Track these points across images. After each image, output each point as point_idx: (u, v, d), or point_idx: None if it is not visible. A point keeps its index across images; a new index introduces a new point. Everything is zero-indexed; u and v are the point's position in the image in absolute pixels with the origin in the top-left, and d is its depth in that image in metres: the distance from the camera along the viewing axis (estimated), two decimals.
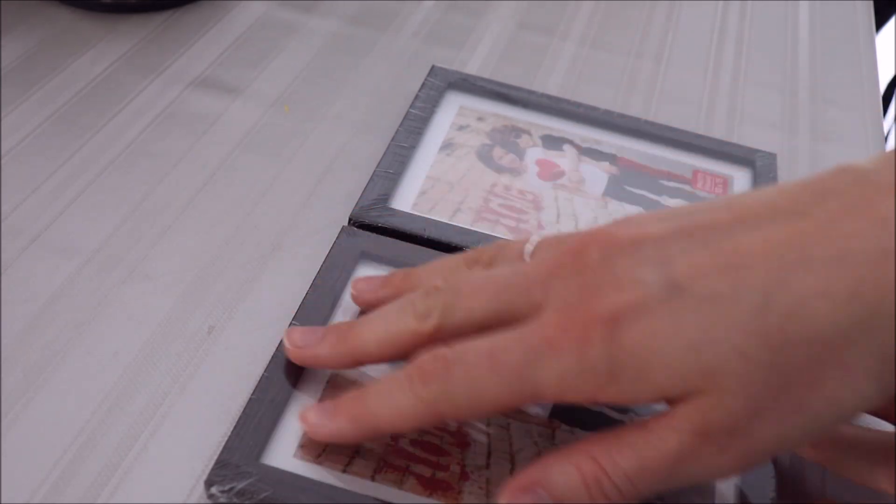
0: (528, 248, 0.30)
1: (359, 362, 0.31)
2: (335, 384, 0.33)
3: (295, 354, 0.32)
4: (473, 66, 0.51)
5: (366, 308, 0.34)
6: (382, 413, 0.28)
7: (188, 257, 0.38)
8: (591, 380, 0.26)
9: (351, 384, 0.33)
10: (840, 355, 0.24)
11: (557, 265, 0.28)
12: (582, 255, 0.27)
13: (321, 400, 0.32)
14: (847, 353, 0.24)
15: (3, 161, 0.41)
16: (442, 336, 0.29)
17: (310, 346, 0.31)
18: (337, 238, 0.37)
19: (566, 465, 0.27)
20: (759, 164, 0.45)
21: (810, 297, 0.24)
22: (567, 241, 0.29)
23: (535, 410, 0.33)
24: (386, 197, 0.40)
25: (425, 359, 0.28)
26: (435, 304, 0.29)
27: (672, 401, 0.26)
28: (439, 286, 0.30)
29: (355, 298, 0.34)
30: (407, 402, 0.28)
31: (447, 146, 0.43)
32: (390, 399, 0.28)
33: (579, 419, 0.33)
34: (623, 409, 0.33)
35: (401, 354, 0.30)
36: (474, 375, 0.27)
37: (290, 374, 0.32)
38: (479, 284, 0.29)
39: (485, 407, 0.27)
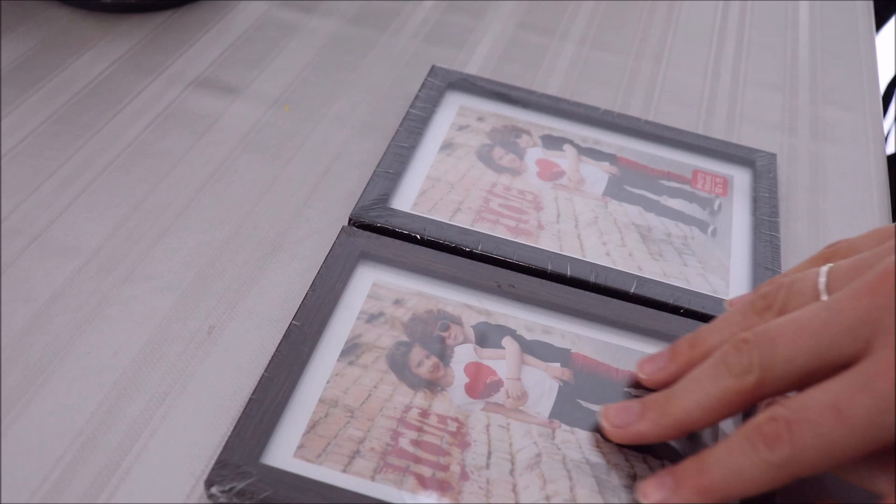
0: (822, 280, 0.29)
1: (683, 432, 0.30)
2: (335, 384, 0.33)
3: (615, 435, 0.31)
4: (473, 66, 0.51)
5: (659, 388, 0.32)
6: (729, 483, 0.27)
7: (188, 257, 0.38)
8: None
9: (354, 383, 0.33)
10: None
11: (876, 295, 0.26)
12: (883, 290, 0.26)
13: (322, 399, 0.32)
14: None
15: (3, 161, 0.41)
16: (765, 390, 0.28)
17: (630, 424, 0.31)
18: (337, 238, 0.37)
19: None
20: (759, 164, 0.45)
21: None
22: (867, 270, 0.27)
23: (535, 410, 0.33)
24: (386, 197, 0.40)
25: (762, 422, 0.27)
26: (751, 357, 0.28)
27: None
28: (748, 338, 0.28)
29: (646, 382, 0.33)
30: (754, 469, 0.27)
31: (447, 146, 0.43)
32: (736, 469, 0.27)
33: (579, 419, 0.33)
34: None
35: (725, 416, 0.29)
36: (823, 433, 0.26)
37: (290, 374, 0.32)
38: (794, 329, 0.28)
39: (838, 461, 0.26)
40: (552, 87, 0.50)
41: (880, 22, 1.11)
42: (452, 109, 0.46)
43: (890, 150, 1.19)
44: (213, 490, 0.29)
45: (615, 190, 0.42)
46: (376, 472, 0.30)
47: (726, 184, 0.44)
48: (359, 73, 0.49)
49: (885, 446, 0.26)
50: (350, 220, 0.39)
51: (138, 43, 0.49)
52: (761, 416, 0.27)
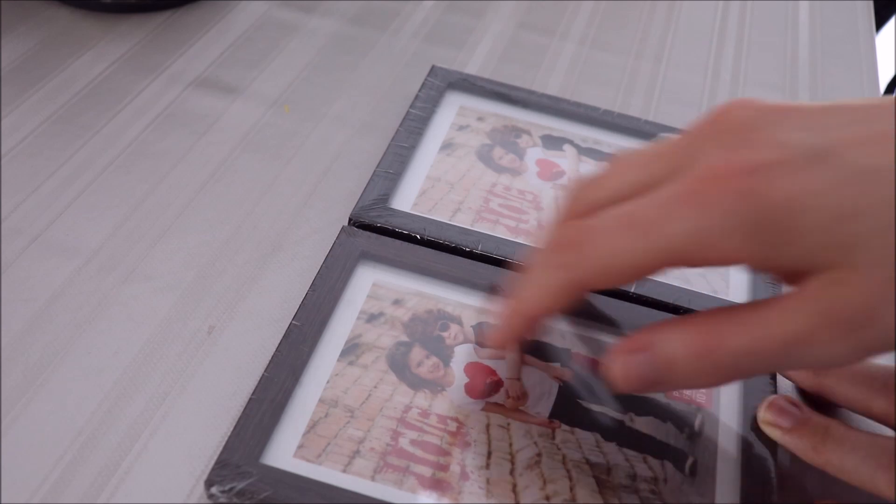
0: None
1: (537, 325, 0.30)
2: (335, 384, 0.33)
3: (491, 343, 0.31)
4: (473, 66, 0.51)
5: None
6: (531, 295, 0.28)
7: (188, 257, 0.38)
8: (729, 237, 0.24)
9: (354, 383, 0.33)
10: None
11: (699, 130, 0.26)
12: (725, 118, 0.26)
13: (322, 398, 0.32)
14: None
15: (3, 161, 0.41)
16: (589, 213, 0.28)
17: (491, 334, 0.31)
18: (337, 238, 0.37)
19: (675, 334, 0.26)
20: None
21: None
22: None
23: (535, 410, 0.33)
24: (386, 197, 0.40)
25: (563, 230, 0.27)
26: (586, 184, 0.29)
27: (801, 276, 0.24)
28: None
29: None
30: (549, 278, 0.27)
31: (447, 146, 0.43)
32: (536, 280, 0.28)
33: (579, 419, 0.33)
34: (624, 410, 0.33)
35: (561, 308, 0.29)
36: (609, 237, 0.26)
37: (290, 374, 0.32)
38: (627, 159, 0.28)
39: (622, 269, 0.26)
40: (552, 87, 0.50)
41: (880, 22, 1.11)
42: (452, 109, 0.46)
43: None
44: (213, 490, 0.29)
45: None
46: (376, 472, 0.30)
47: None
48: (359, 73, 0.49)
49: (664, 264, 0.26)
50: (350, 220, 0.39)
51: (138, 43, 0.49)
52: (566, 226, 0.28)
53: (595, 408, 0.33)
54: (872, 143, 0.24)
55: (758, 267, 0.25)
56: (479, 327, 0.35)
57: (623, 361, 0.27)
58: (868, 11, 0.61)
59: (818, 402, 0.34)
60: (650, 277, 0.31)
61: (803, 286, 0.24)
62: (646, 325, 0.27)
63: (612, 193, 0.27)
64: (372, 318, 0.35)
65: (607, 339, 0.35)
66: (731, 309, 0.26)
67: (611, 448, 0.32)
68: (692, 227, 0.24)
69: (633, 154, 0.29)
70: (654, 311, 0.36)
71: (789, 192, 0.24)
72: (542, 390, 0.33)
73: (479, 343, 0.32)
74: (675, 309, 0.37)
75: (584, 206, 0.28)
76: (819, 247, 0.23)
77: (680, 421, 0.33)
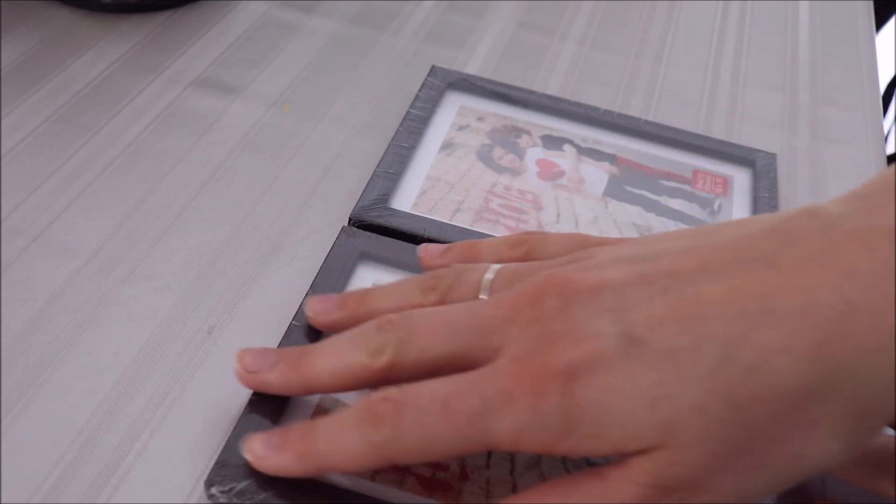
0: (487, 278, 0.30)
1: (310, 392, 0.30)
2: None
3: (245, 378, 0.31)
4: (473, 66, 0.51)
5: (321, 330, 0.33)
6: (330, 453, 0.27)
7: (188, 257, 0.38)
8: (546, 433, 0.25)
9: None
10: (804, 412, 0.24)
11: (514, 309, 0.27)
12: (540, 300, 0.27)
13: (322, 400, 0.32)
14: (811, 411, 0.23)
15: (3, 161, 0.41)
16: (394, 374, 0.28)
17: (261, 371, 0.30)
18: (337, 238, 0.37)
19: None
20: (759, 164, 0.45)
21: (773, 351, 0.23)
22: (525, 279, 0.28)
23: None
24: (386, 197, 0.40)
25: (376, 400, 0.27)
26: (388, 340, 0.28)
27: (626, 454, 0.25)
28: (393, 321, 0.29)
29: (310, 319, 0.33)
30: (355, 445, 0.27)
31: (447, 146, 0.43)
32: (339, 439, 0.27)
33: None
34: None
35: (352, 388, 0.29)
36: (426, 422, 0.26)
37: None
38: (434, 322, 0.28)
39: (435, 454, 0.26)
40: (552, 87, 0.50)
41: (880, 22, 1.11)
42: (452, 109, 0.46)
43: (890, 150, 1.19)
44: (213, 490, 0.29)
45: (615, 190, 0.42)
46: (376, 471, 0.30)
47: (726, 184, 0.44)
48: (359, 73, 0.49)
49: (480, 451, 0.26)
50: (350, 220, 0.39)
51: (138, 43, 0.49)
52: (376, 395, 0.27)
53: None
54: (674, 323, 0.25)
55: (580, 455, 0.26)
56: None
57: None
58: (868, 11, 0.61)
59: None
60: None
61: (629, 462, 0.25)
62: None
63: (428, 360, 0.28)
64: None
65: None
66: (571, 481, 0.26)
67: None
68: (512, 425, 0.25)
69: (449, 304, 0.29)
70: None
71: (603, 388, 0.25)
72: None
73: (254, 462, 0.29)
74: None
75: (395, 365, 0.28)
76: (635, 434, 0.24)
77: None
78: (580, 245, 0.31)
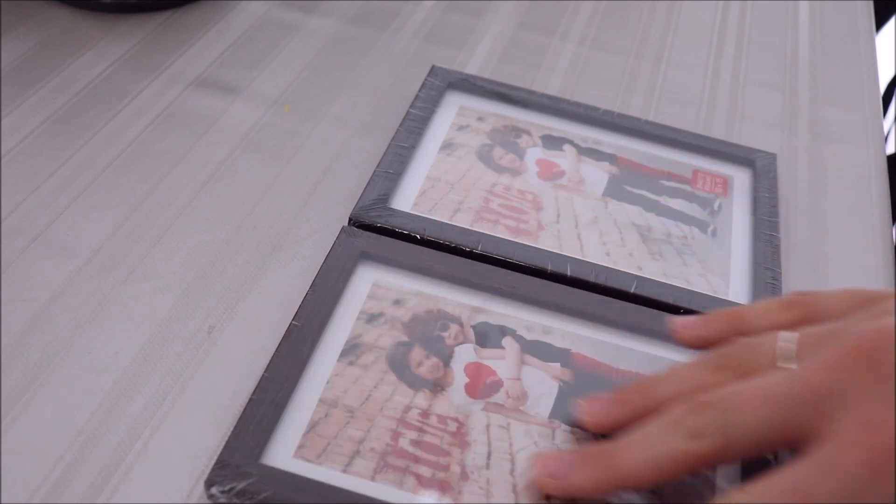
0: (786, 346, 0.28)
1: (624, 490, 0.29)
2: (335, 385, 0.33)
3: (550, 486, 0.29)
4: (473, 66, 0.51)
5: (602, 431, 0.31)
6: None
7: (188, 257, 0.38)
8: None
9: (354, 384, 0.33)
10: None
11: (845, 369, 0.25)
12: (875, 357, 0.25)
13: (322, 399, 0.32)
14: None
15: (3, 161, 0.41)
16: (721, 456, 0.27)
17: (568, 475, 0.29)
18: (337, 238, 0.37)
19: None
20: (759, 164, 0.45)
21: None
22: (844, 335, 0.26)
23: (535, 410, 0.33)
24: (386, 197, 0.40)
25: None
26: (708, 421, 0.27)
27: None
28: (710, 401, 0.27)
29: (591, 424, 0.31)
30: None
31: (447, 146, 0.43)
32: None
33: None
34: None
35: (672, 478, 0.28)
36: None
37: (290, 374, 0.32)
38: (756, 395, 0.26)
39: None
40: (552, 87, 0.50)
41: (880, 22, 1.11)
42: (452, 109, 0.46)
43: (890, 150, 1.19)
44: (213, 490, 0.29)
45: (615, 190, 0.42)
46: (376, 472, 0.30)
47: (726, 184, 0.44)
48: (359, 73, 0.49)
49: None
50: (350, 220, 0.39)
51: (138, 43, 0.49)
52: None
53: None
54: None
55: None
56: (479, 327, 0.35)
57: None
58: (868, 11, 0.61)
59: None
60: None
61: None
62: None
63: (754, 435, 0.26)
64: (372, 318, 0.35)
65: (608, 339, 0.35)
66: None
67: None
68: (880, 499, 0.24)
69: (760, 385, 0.27)
70: (655, 312, 0.36)
71: None
72: (541, 390, 0.33)
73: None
74: (674, 309, 0.37)
75: (721, 447, 0.27)
76: None
77: None
78: (865, 299, 0.29)
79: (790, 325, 0.29)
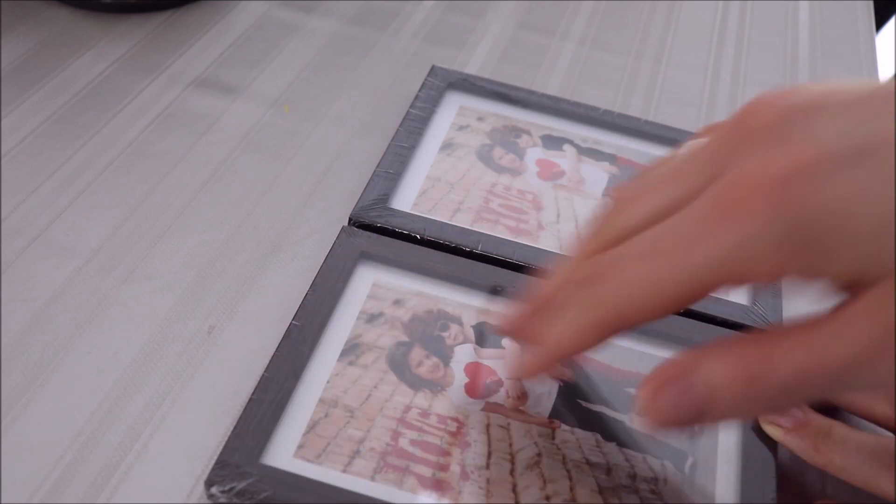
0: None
1: (564, 358, 0.29)
2: (335, 385, 0.33)
3: (511, 369, 0.30)
4: (473, 66, 0.51)
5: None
6: (561, 336, 0.26)
7: (188, 257, 0.38)
8: (771, 249, 0.22)
9: (354, 383, 0.33)
10: None
11: (726, 133, 0.24)
12: (753, 117, 0.24)
13: (322, 399, 0.32)
14: None
15: (3, 161, 0.41)
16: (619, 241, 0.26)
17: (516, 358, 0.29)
18: (337, 238, 0.37)
19: (716, 361, 0.23)
20: None
21: None
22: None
23: (535, 410, 0.33)
24: (386, 197, 0.40)
25: (588, 264, 0.25)
26: (614, 208, 0.27)
27: (856, 285, 0.22)
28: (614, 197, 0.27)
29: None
30: (578, 316, 0.25)
31: (447, 146, 0.43)
32: (564, 317, 0.26)
33: (579, 419, 0.33)
34: (624, 410, 0.33)
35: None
36: (638, 267, 0.24)
37: (290, 374, 0.32)
38: (652, 175, 0.26)
39: (657, 301, 0.24)
40: (552, 87, 0.50)
41: (880, 22, 1.11)
42: (452, 109, 0.46)
43: None
44: (213, 490, 0.29)
45: None
46: (376, 472, 0.30)
47: None
48: (359, 73, 0.49)
49: (706, 288, 0.24)
50: (350, 220, 0.39)
51: (138, 43, 0.49)
52: (589, 262, 0.26)
53: (595, 408, 0.33)
54: None
55: (807, 279, 0.23)
56: (478, 327, 0.35)
57: (657, 394, 0.24)
58: (868, 11, 0.61)
59: (819, 405, 0.34)
60: (691, 306, 0.29)
61: (858, 299, 0.22)
62: (683, 351, 0.25)
63: (641, 218, 0.25)
64: (372, 318, 0.35)
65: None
66: (777, 331, 0.23)
67: (611, 448, 0.32)
68: (726, 247, 0.22)
69: (658, 168, 0.27)
70: None
71: (830, 198, 0.21)
72: (542, 390, 0.33)
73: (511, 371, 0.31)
74: None
75: (612, 235, 0.26)
76: (868, 255, 0.21)
77: None
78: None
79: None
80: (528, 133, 0.45)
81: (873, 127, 0.22)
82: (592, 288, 0.25)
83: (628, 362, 0.35)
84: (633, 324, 0.25)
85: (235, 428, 0.30)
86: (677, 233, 0.23)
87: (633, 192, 0.26)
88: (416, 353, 0.34)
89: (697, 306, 0.37)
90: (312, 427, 0.31)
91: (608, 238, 0.26)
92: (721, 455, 0.32)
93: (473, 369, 0.34)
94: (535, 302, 0.29)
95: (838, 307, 0.22)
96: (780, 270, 0.22)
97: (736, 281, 0.23)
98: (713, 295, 0.38)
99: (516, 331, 0.29)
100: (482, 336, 0.35)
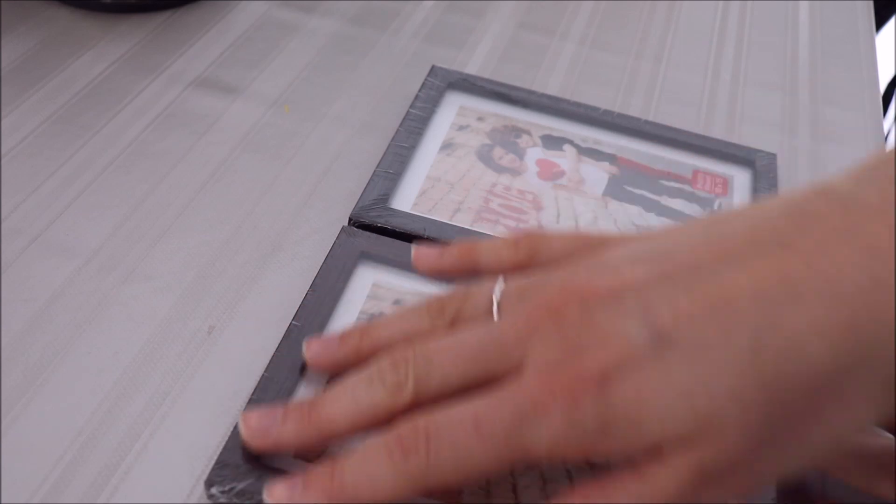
0: (497, 295, 0.29)
1: (328, 441, 0.29)
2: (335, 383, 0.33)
3: (255, 442, 0.29)
4: (473, 66, 0.51)
5: (323, 373, 0.32)
6: (361, 488, 0.26)
7: (188, 257, 0.38)
8: (583, 439, 0.25)
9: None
10: (838, 387, 0.24)
11: (534, 322, 0.27)
12: (559, 312, 0.26)
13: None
14: (845, 385, 0.24)
15: (3, 161, 0.41)
16: (418, 407, 0.27)
17: (270, 429, 0.29)
18: (337, 238, 0.37)
19: None
20: (759, 164, 0.45)
21: (803, 334, 0.24)
22: (540, 291, 0.28)
23: None
24: (386, 197, 0.40)
25: (404, 431, 0.26)
26: (407, 374, 0.28)
27: (665, 448, 0.25)
28: (408, 356, 0.28)
29: (311, 363, 0.32)
30: (388, 477, 0.26)
31: (447, 146, 0.43)
32: (369, 474, 0.26)
33: None
34: None
35: (372, 428, 0.28)
36: (459, 445, 0.26)
37: (290, 374, 0.32)
38: (453, 349, 0.28)
39: (472, 474, 0.26)
40: (552, 87, 0.50)
41: (880, 22, 1.11)
42: (452, 109, 0.46)
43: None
44: (213, 490, 0.29)
45: (615, 190, 0.42)
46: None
47: (726, 184, 0.44)
48: (359, 73, 0.49)
49: (516, 465, 0.26)
50: (350, 220, 0.39)
51: (138, 43, 0.49)
52: (403, 425, 0.26)
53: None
54: (702, 317, 0.25)
55: (618, 457, 0.25)
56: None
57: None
58: (868, 11, 0.61)
59: None
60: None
61: (666, 457, 0.25)
62: None
63: (449, 386, 0.27)
64: (372, 318, 0.35)
65: None
66: (610, 479, 0.26)
67: None
68: (548, 434, 0.25)
69: (461, 326, 0.29)
70: None
71: (637, 387, 0.25)
72: None
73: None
74: None
75: (416, 399, 0.27)
76: (672, 427, 0.24)
77: None
78: (584, 244, 0.30)
79: (516, 265, 0.31)
80: (528, 133, 0.45)
81: (666, 315, 0.25)
82: (411, 458, 0.26)
83: None
84: (441, 489, 0.28)
85: (235, 428, 0.30)
86: (500, 416, 0.25)
87: (440, 344, 0.28)
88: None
89: None
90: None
91: (416, 397, 0.28)
92: None
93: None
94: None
95: (637, 465, 0.25)
96: (589, 455, 0.25)
97: (545, 459, 0.26)
98: None
99: (311, 476, 0.28)
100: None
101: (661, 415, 0.24)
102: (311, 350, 0.32)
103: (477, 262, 0.32)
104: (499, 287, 0.29)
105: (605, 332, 0.25)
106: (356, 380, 0.29)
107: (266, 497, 0.27)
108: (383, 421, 0.28)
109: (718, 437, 0.24)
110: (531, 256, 0.31)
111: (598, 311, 0.26)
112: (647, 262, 0.27)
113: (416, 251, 0.33)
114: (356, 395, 0.28)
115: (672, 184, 0.43)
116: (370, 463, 0.26)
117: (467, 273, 0.32)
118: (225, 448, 0.30)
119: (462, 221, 0.39)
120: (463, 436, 0.26)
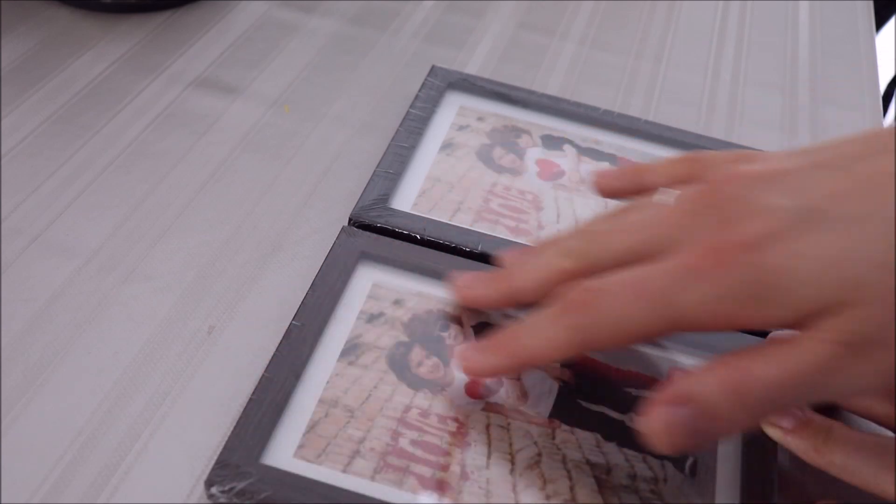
0: (666, 198, 0.31)
1: (516, 301, 0.33)
2: (335, 384, 0.33)
3: (459, 294, 0.34)
4: (473, 66, 0.51)
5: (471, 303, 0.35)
6: (535, 345, 0.30)
7: (188, 257, 0.38)
8: (734, 304, 0.26)
9: (354, 384, 0.33)
10: None
11: (693, 204, 0.29)
12: (717, 192, 0.28)
13: (322, 399, 0.32)
14: None
15: (3, 161, 0.41)
16: (584, 272, 0.30)
17: (473, 287, 0.34)
18: (337, 238, 0.37)
19: (708, 376, 0.27)
20: None
21: None
22: (703, 182, 0.30)
23: (535, 410, 0.33)
24: (386, 197, 0.40)
25: (571, 291, 0.29)
26: (578, 243, 0.31)
27: (812, 317, 0.26)
28: (584, 232, 0.32)
29: (462, 295, 0.35)
30: (557, 333, 0.29)
31: (447, 146, 0.43)
32: (542, 332, 0.30)
33: (579, 419, 0.33)
34: (624, 410, 0.33)
35: (551, 288, 0.31)
36: (620, 303, 0.28)
37: (290, 374, 0.32)
38: (619, 225, 0.31)
39: (630, 334, 0.28)
40: (552, 87, 0.50)
41: (880, 22, 1.11)
42: (452, 109, 0.46)
43: None
44: (213, 490, 0.29)
45: None
46: (376, 472, 0.30)
47: None
48: (359, 73, 0.49)
49: (671, 330, 0.28)
50: (350, 220, 0.39)
51: (138, 43, 0.49)
52: (574, 287, 0.29)
53: (595, 408, 0.33)
54: (854, 194, 0.26)
55: (766, 325, 0.27)
56: (478, 327, 0.35)
57: (664, 415, 0.27)
58: (868, 11, 0.61)
59: (820, 405, 0.34)
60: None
61: (818, 323, 0.26)
62: (673, 378, 0.28)
63: (615, 255, 0.30)
64: (372, 318, 0.35)
65: None
66: (753, 347, 0.27)
67: (611, 448, 0.32)
68: (702, 298, 0.27)
69: (630, 213, 0.31)
70: None
71: (788, 255, 0.26)
72: (542, 390, 0.33)
73: (465, 365, 0.32)
74: None
75: (586, 263, 0.30)
76: (822, 292, 0.25)
77: None
78: (743, 155, 0.32)
79: (686, 178, 0.33)
80: (528, 133, 0.45)
81: (816, 193, 0.27)
82: (576, 314, 0.29)
83: (628, 362, 0.35)
84: (602, 349, 0.30)
85: (235, 428, 0.30)
86: (660, 280, 0.27)
87: (603, 229, 0.31)
88: (416, 353, 0.34)
89: None
90: (312, 427, 0.31)
91: (583, 265, 0.31)
92: (721, 455, 0.32)
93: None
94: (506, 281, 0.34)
95: (803, 331, 0.26)
96: (740, 322, 0.27)
97: (698, 328, 0.27)
98: None
99: (493, 343, 0.31)
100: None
101: (812, 281, 0.25)
102: (464, 283, 0.35)
103: (650, 179, 0.34)
104: (669, 192, 0.31)
105: (760, 206, 0.27)
106: (541, 248, 0.33)
107: (460, 361, 0.32)
108: (558, 284, 0.31)
109: (866, 304, 0.25)
110: (697, 167, 0.33)
111: (753, 190, 0.28)
112: (800, 156, 0.28)
113: (600, 173, 0.36)
114: (538, 261, 0.32)
115: None
116: (543, 323, 0.30)
117: (639, 191, 0.34)
118: (225, 448, 0.30)
119: (462, 221, 0.39)
120: (623, 297, 0.28)
